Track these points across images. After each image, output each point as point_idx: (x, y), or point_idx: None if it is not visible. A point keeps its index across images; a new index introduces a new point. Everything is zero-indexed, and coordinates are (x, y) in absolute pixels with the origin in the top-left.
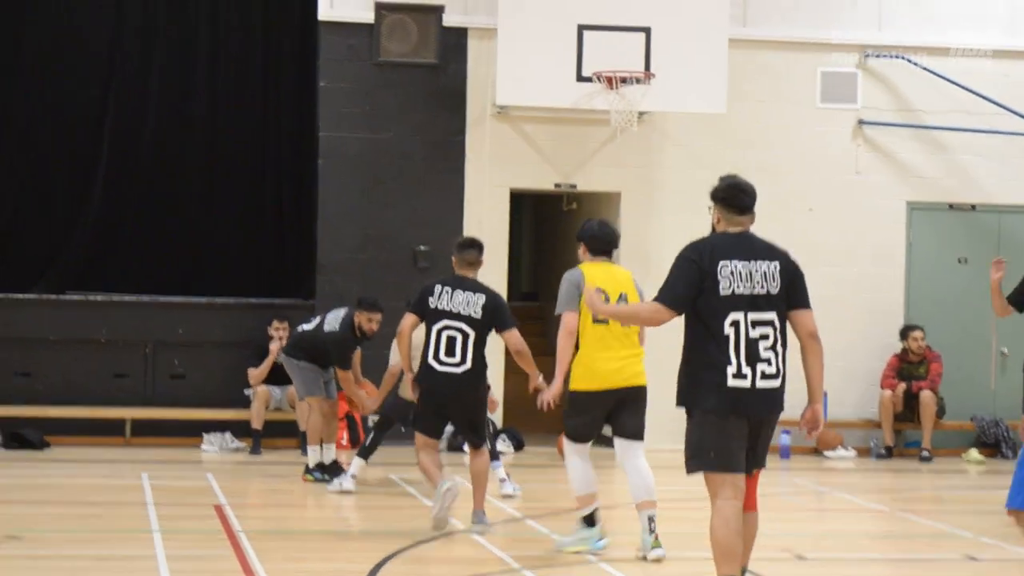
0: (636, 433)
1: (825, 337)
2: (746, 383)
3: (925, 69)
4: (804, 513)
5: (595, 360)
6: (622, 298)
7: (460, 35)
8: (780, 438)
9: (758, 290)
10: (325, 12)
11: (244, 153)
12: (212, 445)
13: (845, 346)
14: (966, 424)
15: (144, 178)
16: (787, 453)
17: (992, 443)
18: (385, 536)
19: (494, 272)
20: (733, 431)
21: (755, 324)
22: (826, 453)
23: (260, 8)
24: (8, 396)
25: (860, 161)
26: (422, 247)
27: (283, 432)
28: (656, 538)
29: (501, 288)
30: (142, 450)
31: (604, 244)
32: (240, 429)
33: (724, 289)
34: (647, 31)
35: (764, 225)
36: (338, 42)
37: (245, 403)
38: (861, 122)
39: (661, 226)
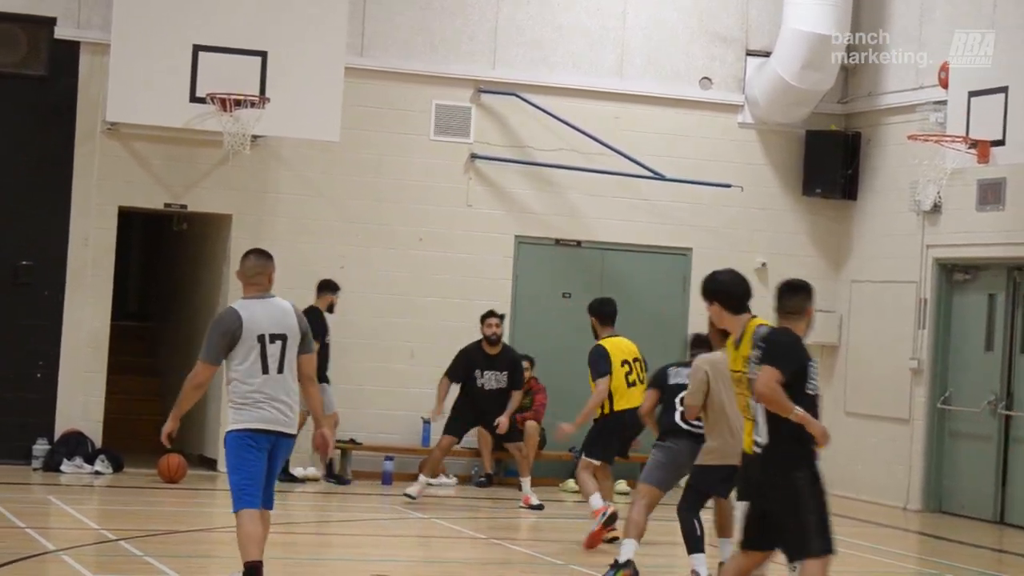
0: None
1: (429, 366)
2: None
3: (536, 107)
4: (403, 539)
5: None
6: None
7: (72, 48)
8: (384, 464)
9: None
10: None
11: None
12: None
13: None
14: (565, 455)
15: None
16: (389, 479)
17: None
18: None
19: (101, 290)
20: None
21: None
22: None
23: None
24: None
25: (471, 194)
26: (24, 262)
27: None
28: None
29: (106, 306)
30: None
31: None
32: None
33: None
34: (264, 55)
35: (376, 253)
36: None
37: None
38: (473, 156)
39: (272, 249)
